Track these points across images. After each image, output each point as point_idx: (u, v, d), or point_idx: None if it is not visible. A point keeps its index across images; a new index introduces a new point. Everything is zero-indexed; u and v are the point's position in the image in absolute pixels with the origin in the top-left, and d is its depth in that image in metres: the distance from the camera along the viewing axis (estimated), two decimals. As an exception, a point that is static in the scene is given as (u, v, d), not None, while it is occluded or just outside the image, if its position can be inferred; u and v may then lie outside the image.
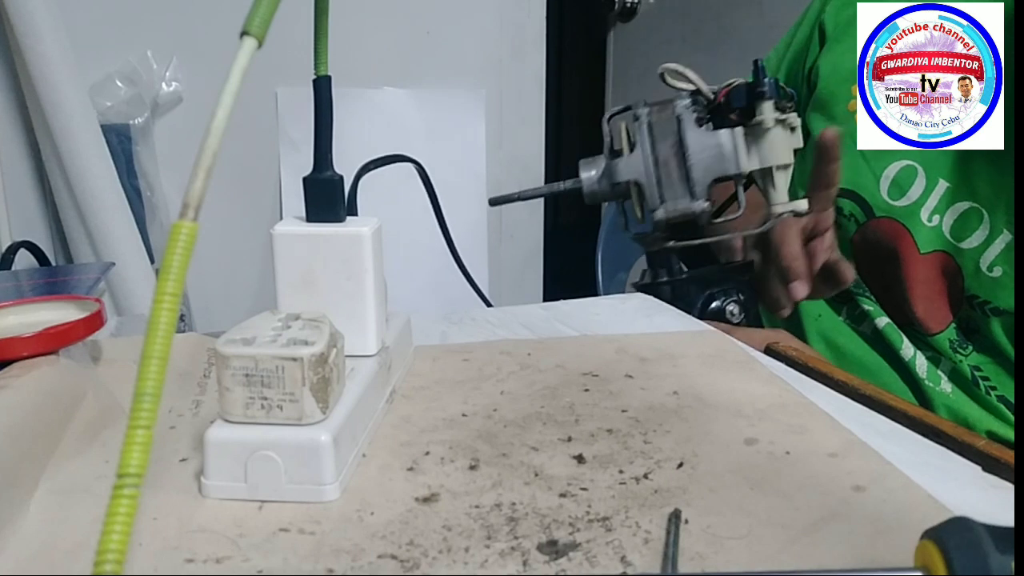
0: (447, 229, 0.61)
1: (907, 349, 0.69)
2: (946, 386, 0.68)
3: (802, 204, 0.58)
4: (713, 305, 0.63)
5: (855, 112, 0.69)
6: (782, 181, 0.57)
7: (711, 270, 0.64)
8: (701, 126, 0.58)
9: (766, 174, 0.57)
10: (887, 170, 0.69)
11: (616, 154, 0.61)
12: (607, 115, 0.62)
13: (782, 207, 0.57)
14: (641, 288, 0.64)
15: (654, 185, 0.59)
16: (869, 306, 0.72)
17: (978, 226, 0.65)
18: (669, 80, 0.60)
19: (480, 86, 1.39)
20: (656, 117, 0.59)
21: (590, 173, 0.62)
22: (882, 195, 0.69)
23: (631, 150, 0.60)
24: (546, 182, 1.53)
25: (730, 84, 0.58)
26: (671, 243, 0.62)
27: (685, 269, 0.65)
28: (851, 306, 0.74)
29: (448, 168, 1.34)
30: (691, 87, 0.59)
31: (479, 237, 1.40)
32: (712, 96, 0.58)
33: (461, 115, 1.38)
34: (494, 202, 0.69)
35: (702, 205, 0.58)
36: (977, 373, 0.66)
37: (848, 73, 0.70)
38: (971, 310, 0.66)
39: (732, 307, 0.63)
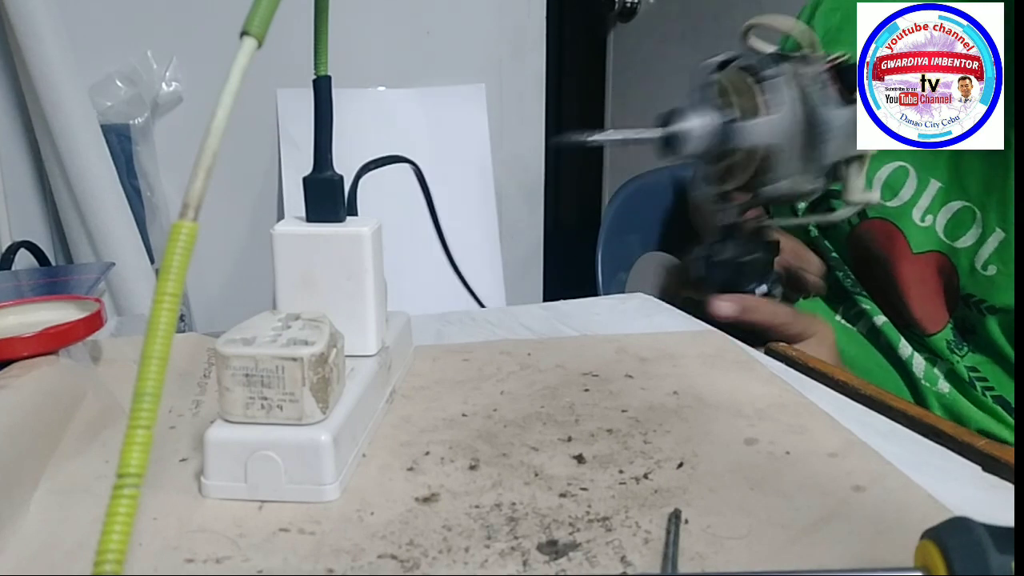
0: (441, 231, 0.61)
1: (904, 348, 0.70)
2: (943, 386, 0.68)
3: (874, 196, 0.56)
4: (761, 288, 0.60)
5: None
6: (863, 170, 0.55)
7: (758, 258, 0.61)
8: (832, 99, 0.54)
9: (855, 160, 0.54)
10: (879, 172, 0.69)
11: (739, 113, 0.54)
12: (716, 60, 0.56)
13: (860, 195, 0.55)
14: (699, 261, 0.61)
15: (789, 157, 0.54)
16: (866, 305, 0.72)
17: (971, 225, 0.65)
18: (752, 42, 0.55)
19: (480, 84, 1.39)
20: (790, 80, 0.54)
21: (692, 124, 0.53)
22: None
23: (767, 111, 0.54)
24: (546, 182, 1.53)
25: (837, 57, 0.53)
26: (766, 221, 0.59)
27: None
28: (847, 305, 0.74)
29: (454, 165, 1.34)
30: (808, 51, 0.54)
31: (490, 232, 1.37)
32: (826, 66, 0.54)
33: (463, 111, 1.37)
34: (559, 145, 0.64)
35: (817, 186, 0.55)
36: (973, 374, 0.66)
37: None
38: (967, 309, 0.66)
39: (776, 289, 0.61)
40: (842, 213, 0.59)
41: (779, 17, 0.56)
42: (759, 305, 0.60)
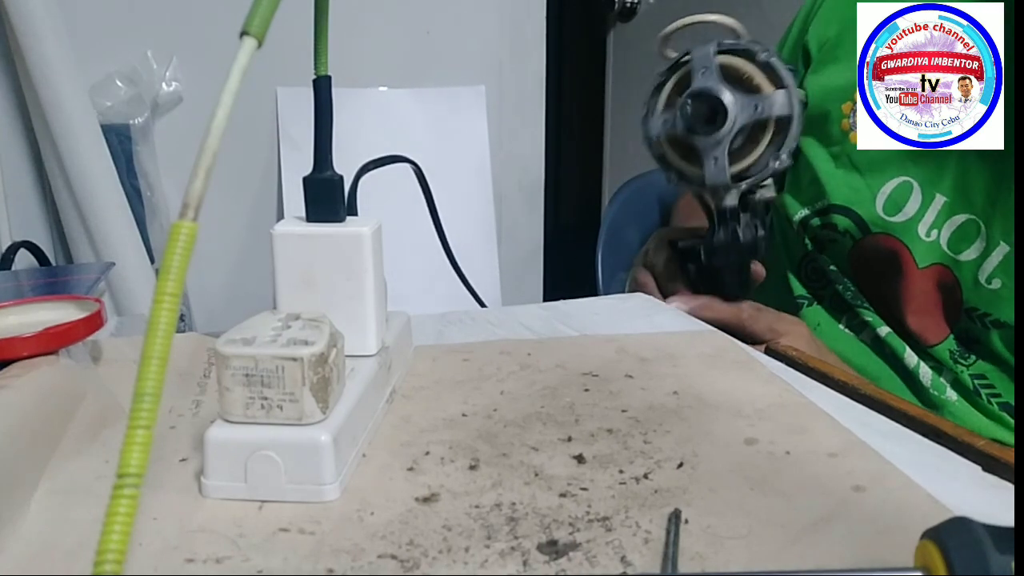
0: (442, 230, 0.61)
1: (910, 357, 0.69)
2: (951, 394, 0.67)
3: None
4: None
5: (850, 131, 0.69)
6: None
7: (765, 234, 0.65)
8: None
9: None
10: (884, 187, 0.68)
11: (750, 88, 0.58)
12: (715, 49, 0.59)
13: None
14: (713, 245, 0.63)
15: (794, 126, 0.58)
16: (869, 316, 0.71)
17: (976, 238, 0.64)
18: (668, 52, 0.60)
19: (480, 85, 1.39)
20: (777, 61, 0.58)
21: (730, 98, 0.57)
22: (878, 211, 0.68)
23: (776, 85, 0.57)
24: (546, 182, 1.53)
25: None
26: (769, 194, 0.62)
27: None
28: (850, 315, 0.73)
29: (453, 166, 1.34)
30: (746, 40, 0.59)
31: (487, 233, 1.38)
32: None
33: (462, 112, 1.37)
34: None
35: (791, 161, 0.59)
36: (979, 382, 0.66)
37: (840, 92, 0.69)
38: (970, 322, 0.65)
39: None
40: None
41: (714, 15, 0.61)
42: (714, 304, 0.62)
